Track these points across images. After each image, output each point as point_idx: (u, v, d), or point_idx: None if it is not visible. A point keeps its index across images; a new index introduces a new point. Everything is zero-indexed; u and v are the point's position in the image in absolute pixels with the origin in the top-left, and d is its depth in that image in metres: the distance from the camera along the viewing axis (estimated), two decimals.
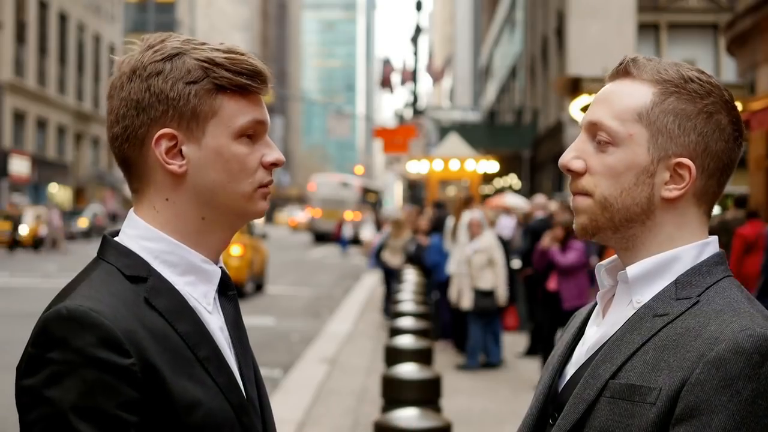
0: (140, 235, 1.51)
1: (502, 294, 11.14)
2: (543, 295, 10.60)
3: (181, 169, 1.50)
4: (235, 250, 18.75)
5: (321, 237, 48.86)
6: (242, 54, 1.52)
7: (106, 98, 1.54)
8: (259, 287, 20.69)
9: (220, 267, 1.57)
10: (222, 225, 1.55)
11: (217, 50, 1.51)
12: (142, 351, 1.38)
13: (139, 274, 1.47)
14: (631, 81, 1.53)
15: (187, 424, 1.40)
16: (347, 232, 39.65)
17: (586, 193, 1.54)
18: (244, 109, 1.51)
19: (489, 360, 11.16)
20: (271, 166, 1.55)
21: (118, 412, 1.35)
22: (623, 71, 1.55)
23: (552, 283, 10.24)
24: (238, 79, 1.50)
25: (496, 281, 11.10)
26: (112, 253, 1.50)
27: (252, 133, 1.53)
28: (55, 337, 1.37)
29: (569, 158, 1.55)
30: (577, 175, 1.55)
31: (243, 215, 1.55)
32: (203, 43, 1.52)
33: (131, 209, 1.56)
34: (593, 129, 1.54)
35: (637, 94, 1.51)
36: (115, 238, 1.53)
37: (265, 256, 21.59)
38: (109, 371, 1.35)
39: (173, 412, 1.40)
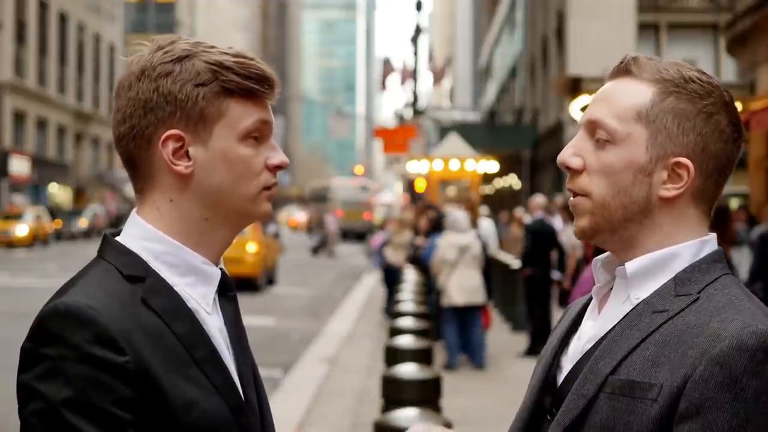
0: (141, 235, 1.51)
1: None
2: None
3: (187, 170, 1.50)
4: (251, 247, 20.51)
5: None
6: (251, 59, 1.52)
7: (114, 98, 1.55)
8: (270, 281, 22.67)
9: (220, 268, 1.57)
10: (225, 226, 1.55)
11: (226, 53, 1.52)
12: (137, 350, 1.39)
13: (137, 273, 1.47)
14: (632, 80, 1.53)
15: (183, 424, 1.40)
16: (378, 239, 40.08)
17: (585, 194, 1.53)
18: (250, 110, 1.52)
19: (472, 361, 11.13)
20: (275, 169, 1.56)
21: (112, 408, 1.35)
22: (624, 70, 1.54)
23: None
24: (247, 83, 1.50)
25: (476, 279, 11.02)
26: (111, 252, 1.51)
27: (257, 135, 1.53)
28: (51, 333, 1.37)
29: (567, 155, 1.55)
30: (575, 172, 1.54)
31: (247, 216, 1.56)
32: (212, 46, 1.53)
33: (134, 210, 1.56)
34: (592, 127, 1.54)
35: (637, 93, 1.51)
36: (117, 238, 1.53)
37: (276, 253, 24.42)
38: (104, 368, 1.36)
39: (169, 411, 1.40)
